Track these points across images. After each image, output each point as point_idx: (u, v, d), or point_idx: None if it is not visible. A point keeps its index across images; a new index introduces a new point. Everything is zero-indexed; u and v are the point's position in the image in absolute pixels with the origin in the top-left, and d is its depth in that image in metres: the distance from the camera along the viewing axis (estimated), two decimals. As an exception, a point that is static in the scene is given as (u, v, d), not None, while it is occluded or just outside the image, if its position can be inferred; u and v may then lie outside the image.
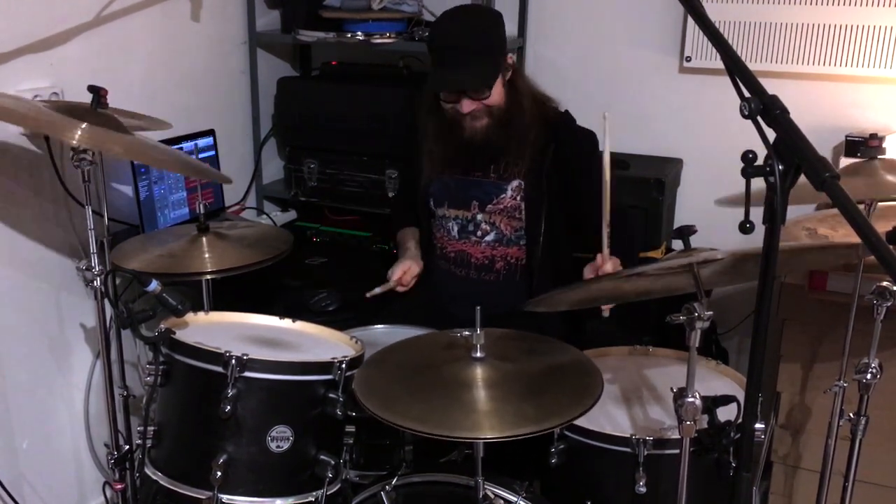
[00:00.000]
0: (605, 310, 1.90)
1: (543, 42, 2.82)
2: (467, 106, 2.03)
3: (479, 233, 2.18)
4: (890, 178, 1.75)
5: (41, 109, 1.77)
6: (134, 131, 1.87)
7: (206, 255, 1.97)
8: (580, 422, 1.58)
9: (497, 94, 2.05)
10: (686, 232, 1.54)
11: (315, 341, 1.81)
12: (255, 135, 3.01)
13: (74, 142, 1.67)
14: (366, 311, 2.21)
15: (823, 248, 1.84)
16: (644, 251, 2.44)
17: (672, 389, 1.42)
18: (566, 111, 2.19)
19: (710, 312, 1.34)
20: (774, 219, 1.05)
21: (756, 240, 1.11)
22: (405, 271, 2.19)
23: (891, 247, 0.91)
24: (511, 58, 2.09)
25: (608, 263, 1.88)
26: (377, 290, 2.13)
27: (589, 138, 2.15)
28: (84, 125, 1.69)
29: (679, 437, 1.43)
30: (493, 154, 2.12)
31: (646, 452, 1.59)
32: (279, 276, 2.56)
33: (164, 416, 1.65)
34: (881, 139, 1.85)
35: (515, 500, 1.61)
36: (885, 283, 1.76)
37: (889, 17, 2.38)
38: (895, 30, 2.38)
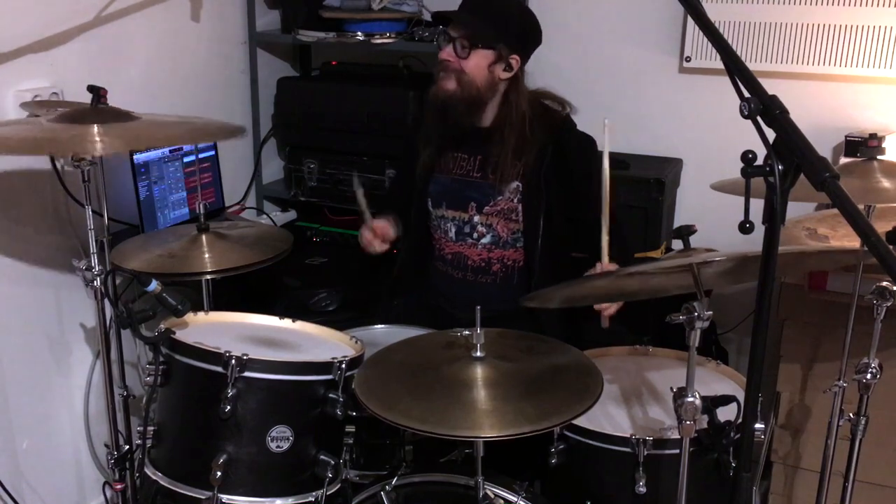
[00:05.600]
0: (605, 319, 1.91)
1: (543, 42, 2.81)
2: (444, 53, 2.05)
3: (475, 235, 2.18)
4: (886, 183, 1.74)
5: (45, 128, 1.74)
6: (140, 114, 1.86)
7: (206, 255, 1.97)
8: (580, 422, 1.59)
9: (475, 68, 2.04)
10: (686, 232, 1.54)
11: (315, 341, 1.81)
12: (255, 135, 3.02)
13: (97, 153, 1.68)
14: (366, 311, 2.21)
15: (823, 252, 1.84)
16: (644, 251, 2.44)
17: (672, 389, 1.43)
18: (567, 115, 2.18)
19: (710, 312, 1.35)
20: (774, 219, 1.05)
21: (756, 240, 1.11)
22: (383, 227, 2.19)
23: (890, 247, 0.91)
24: (516, 60, 2.06)
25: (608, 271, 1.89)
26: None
27: (587, 142, 2.15)
28: (95, 128, 1.68)
29: (679, 437, 1.43)
30: (449, 126, 2.12)
31: (646, 452, 1.59)
32: (279, 276, 2.56)
33: (164, 416, 1.65)
34: (881, 139, 1.85)
35: (515, 500, 1.61)
36: (885, 283, 1.76)
37: (889, 17, 2.38)
38: (895, 30, 2.39)
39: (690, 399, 1.39)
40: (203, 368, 1.56)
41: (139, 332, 1.66)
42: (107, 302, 1.83)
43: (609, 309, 1.91)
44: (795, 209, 1.42)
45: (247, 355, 1.54)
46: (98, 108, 1.79)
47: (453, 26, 2.06)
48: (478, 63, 2.04)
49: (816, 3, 2.45)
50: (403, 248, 2.37)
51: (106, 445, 2.04)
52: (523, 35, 2.11)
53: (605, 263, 1.89)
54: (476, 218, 2.17)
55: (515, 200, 2.13)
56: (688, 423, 1.40)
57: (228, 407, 1.52)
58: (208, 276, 1.97)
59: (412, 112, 2.64)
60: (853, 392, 1.89)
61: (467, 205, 2.17)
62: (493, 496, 1.57)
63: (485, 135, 2.12)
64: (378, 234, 2.18)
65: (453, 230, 2.20)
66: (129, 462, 2.02)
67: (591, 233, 2.12)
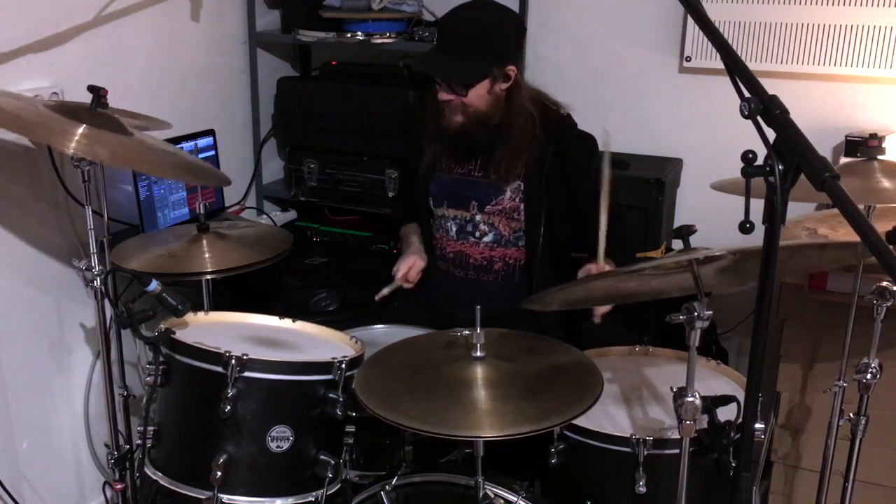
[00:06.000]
0: (598, 316, 1.95)
1: (543, 42, 2.82)
2: (443, 95, 2.03)
3: (477, 233, 2.18)
4: (886, 183, 1.75)
5: (38, 111, 1.75)
6: (136, 131, 1.86)
7: (206, 255, 1.97)
8: (580, 422, 1.59)
9: (477, 98, 2.02)
10: (686, 232, 1.54)
11: (315, 341, 1.81)
12: (255, 135, 3.01)
13: (70, 151, 1.66)
14: (366, 311, 2.21)
15: (823, 246, 1.84)
16: (644, 251, 2.44)
17: (672, 389, 1.42)
18: (567, 114, 2.18)
19: (710, 312, 1.35)
20: (774, 219, 1.05)
21: (756, 239, 1.11)
22: (410, 266, 2.16)
23: (891, 247, 0.91)
24: (512, 69, 2.04)
25: (604, 270, 1.91)
26: (385, 291, 2.10)
27: (588, 141, 2.15)
28: (81, 128, 1.67)
29: (679, 437, 1.43)
30: (470, 150, 2.13)
31: (646, 452, 1.59)
32: (279, 276, 2.56)
33: (164, 416, 1.65)
34: (881, 139, 1.85)
35: (515, 500, 1.61)
36: (885, 283, 1.76)
37: (889, 17, 2.38)
38: (895, 30, 2.38)
39: (690, 399, 1.39)
40: (203, 368, 1.56)
41: (139, 332, 1.67)
42: (107, 302, 1.83)
43: (603, 308, 1.93)
44: (795, 209, 1.42)
45: (247, 355, 1.54)
46: (97, 111, 1.78)
47: (432, 69, 2.03)
48: (477, 93, 2.02)
49: (816, 3, 2.45)
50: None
51: (106, 445, 2.05)
52: (509, 44, 2.07)
53: (601, 264, 1.91)
54: (478, 217, 2.17)
55: (517, 200, 2.13)
56: (688, 423, 1.40)
57: (228, 407, 1.52)
58: (208, 276, 1.97)
59: (412, 112, 2.63)
60: (853, 392, 1.89)
61: (468, 204, 2.17)
62: (493, 496, 1.57)
63: (490, 135, 2.12)
64: (411, 278, 2.17)
65: (454, 229, 2.20)
66: (129, 462, 2.03)
67: (589, 231, 2.13)
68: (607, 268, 1.91)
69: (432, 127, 2.15)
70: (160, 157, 1.88)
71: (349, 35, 2.74)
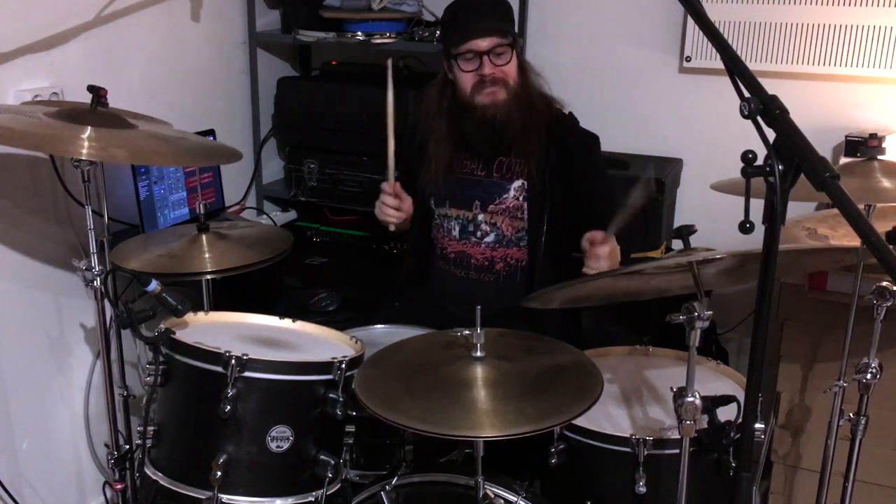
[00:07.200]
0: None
1: (543, 42, 2.82)
2: (489, 67, 2.02)
3: (478, 233, 2.18)
4: (886, 183, 1.75)
5: (41, 122, 1.73)
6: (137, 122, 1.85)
7: (206, 255, 1.97)
8: (580, 422, 1.59)
9: (513, 68, 2.05)
10: (686, 232, 1.54)
11: (315, 341, 1.81)
12: (255, 135, 3.02)
13: (83, 156, 1.66)
14: (366, 311, 2.21)
15: (823, 250, 1.84)
16: (644, 251, 2.44)
17: (672, 389, 1.43)
18: (570, 112, 2.18)
19: (710, 312, 1.35)
20: (774, 219, 1.05)
21: (756, 240, 1.11)
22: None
23: (890, 247, 0.91)
24: (518, 41, 2.09)
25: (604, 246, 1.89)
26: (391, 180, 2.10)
27: (592, 140, 2.16)
28: (87, 131, 1.67)
29: (679, 437, 1.43)
30: (507, 138, 2.09)
31: (646, 452, 1.59)
32: (279, 276, 2.56)
33: (164, 416, 1.65)
34: (881, 139, 1.85)
35: (515, 500, 1.61)
36: (885, 283, 1.76)
37: (889, 17, 2.38)
38: (895, 30, 2.39)
39: (690, 399, 1.39)
40: (203, 368, 1.56)
41: (139, 332, 1.66)
42: (107, 302, 1.83)
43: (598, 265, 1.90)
44: (795, 209, 1.42)
45: (247, 355, 1.54)
46: (98, 110, 1.78)
47: (478, 40, 2.01)
48: (513, 63, 2.05)
49: (816, 3, 2.45)
50: (408, 250, 2.36)
51: (106, 445, 2.05)
52: (511, 11, 2.12)
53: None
54: (480, 217, 2.17)
55: (521, 198, 2.13)
56: (688, 423, 1.40)
57: (228, 407, 1.52)
58: (208, 276, 1.97)
59: (412, 112, 2.63)
60: (853, 392, 1.89)
61: (471, 203, 2.17)
62: (493, 496, 1.57)
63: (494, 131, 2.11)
64: (402, 204, 2.13)
65: (457, 229, 2.20)
66: (129, 462, 2.03)
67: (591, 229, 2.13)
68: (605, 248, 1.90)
69: (446, 126, 2.14)
70: (171, 145, 1.88)
71: (349, 35, 2.74)
